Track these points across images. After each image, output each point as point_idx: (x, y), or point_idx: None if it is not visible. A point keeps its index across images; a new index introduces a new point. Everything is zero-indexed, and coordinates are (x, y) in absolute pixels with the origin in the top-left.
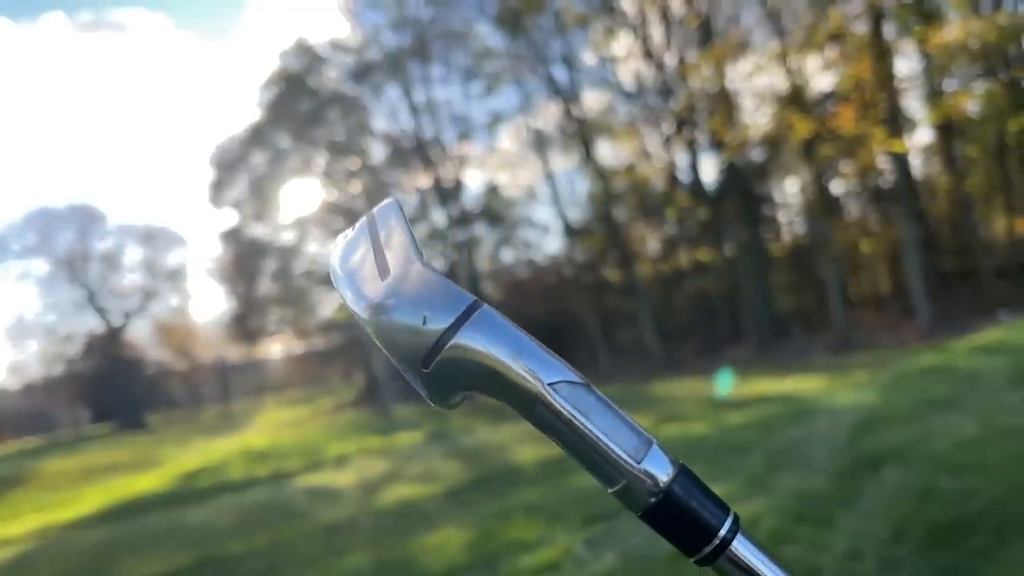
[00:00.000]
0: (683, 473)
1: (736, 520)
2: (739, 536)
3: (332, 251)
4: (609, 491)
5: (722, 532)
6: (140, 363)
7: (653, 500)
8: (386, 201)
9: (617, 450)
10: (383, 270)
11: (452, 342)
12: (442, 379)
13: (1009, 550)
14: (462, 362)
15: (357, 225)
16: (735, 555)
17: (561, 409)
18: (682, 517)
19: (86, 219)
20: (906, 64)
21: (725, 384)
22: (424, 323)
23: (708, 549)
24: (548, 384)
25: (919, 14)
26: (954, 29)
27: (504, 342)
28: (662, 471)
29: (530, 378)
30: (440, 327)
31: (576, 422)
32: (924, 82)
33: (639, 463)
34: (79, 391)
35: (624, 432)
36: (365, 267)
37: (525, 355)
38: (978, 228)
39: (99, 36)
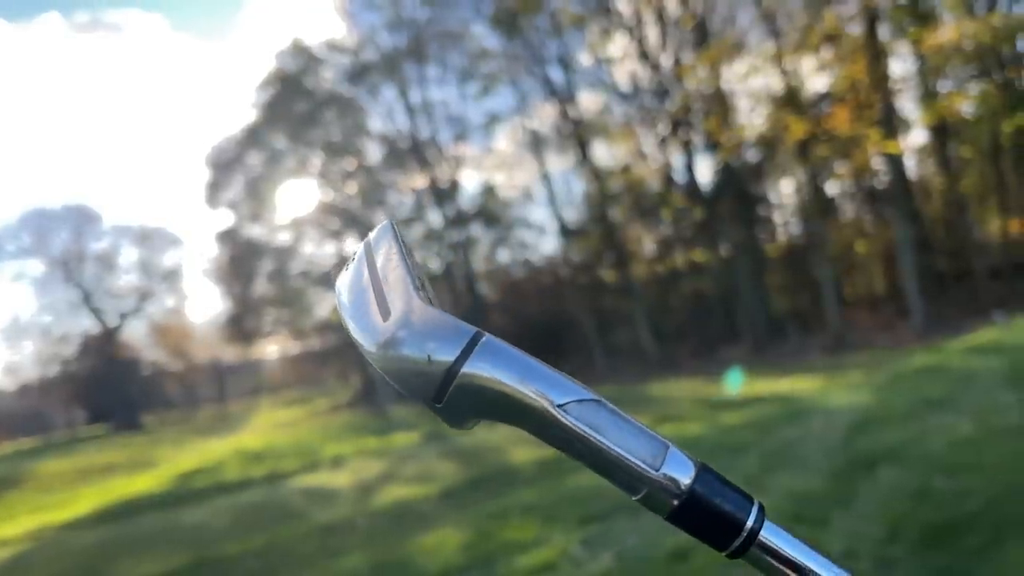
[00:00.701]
0: (703, 471)
1: (762, 509)
2: (766, 525)
3: (337, 284)
4: (633, 499)
5: (749, 524)
6: (136, 364)
7: (677, 503)
8: (381, 225)
9: (635, 461)
10: (384, 310)
11: (459, 375)
12: (455, 410)
13: (1005, 550)
14: (472, 393)
15: (356, 255)
16: (765, 544)
17: (574, 428)
18: (708, 515)
19: (81, 220)
20: (901, 65)
21: (735, 383)
22: (430, 360)
23: (737, 542)
24: (558, 405)
25: (914, 15)
26: (948, 30)
27: (510, 369)
28: (682, 473)
29: (540, 401)
30: (446, 361)
31: (590, 439)
32: (919, 83)
33: (658, 470)
34: (75, 392)
35: (640, 441)
36: (368, 305)
37: (532, 379)
38: (972, 229)
39: (95, 37)
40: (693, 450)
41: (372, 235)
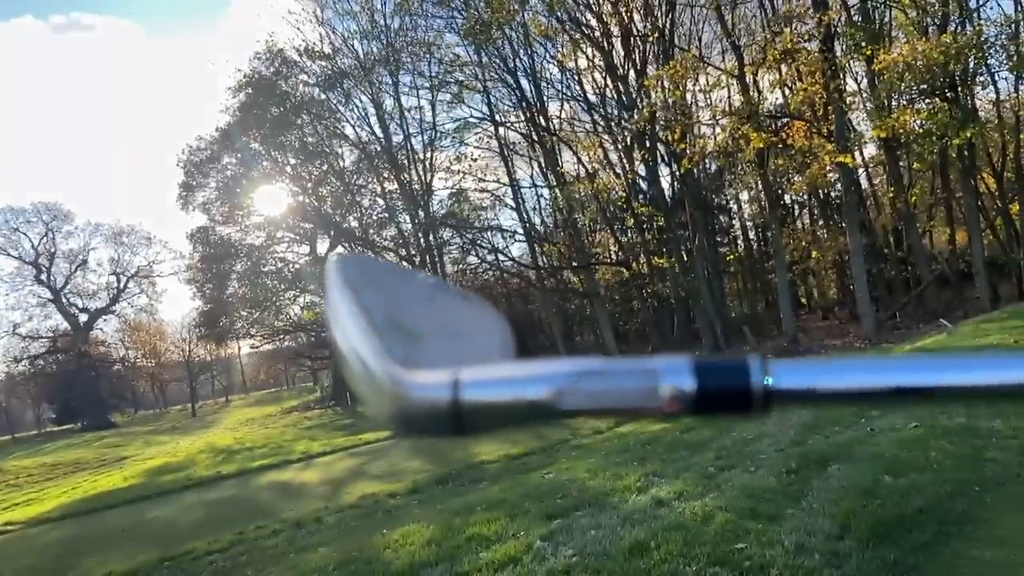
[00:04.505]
0: (696, 366)
1: (762, 362)
2: (773, 372)
3: (336, 337)
4: (663, 420)
5: (756, 381)
6: (107, 362)
7: (689, 404)
8: (328, 268)
9: (640, 402)
10: (374, 387)
11: (464, 412)
12: (477, 432)
13: (950, 545)
14: (483, 418)
15: (327, 306)
16: (782, 390)
17: (581, 408)
18: (720, 398)
19: (53, 218)
20: (854, 81)
21: None
22: (433, 412)
23: (759, 401)
24: (558, 393)
25: (868, 34)
26: (901, 49)
27: (502, 386)
28: (680, 379)
29: (542, 398)
30: (445, 404)
31: (600, 407)
32: (872, 98)
33: (660, 393)
34: (44, 390)
35: (635, 379)
36: (361, 381)
37: (526, 384)
38: (921, 239)
39: (70, 39)
40: (652, 447)
41: (328, 283)
